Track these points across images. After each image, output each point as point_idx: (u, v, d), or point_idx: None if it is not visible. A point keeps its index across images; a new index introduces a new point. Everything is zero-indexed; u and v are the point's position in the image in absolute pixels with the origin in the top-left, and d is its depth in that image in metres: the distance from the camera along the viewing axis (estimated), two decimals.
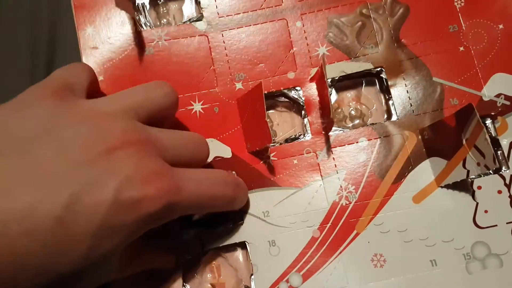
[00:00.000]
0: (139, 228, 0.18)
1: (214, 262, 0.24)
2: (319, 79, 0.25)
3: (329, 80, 0.26)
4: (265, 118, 0.22)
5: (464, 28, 0.26)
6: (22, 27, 0.28)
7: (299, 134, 0.26)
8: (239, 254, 0.24)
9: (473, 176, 0.24)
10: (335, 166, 0.25)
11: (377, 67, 0.26)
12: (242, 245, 0.24)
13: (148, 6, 0.27)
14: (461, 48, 0.26)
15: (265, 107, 0.22)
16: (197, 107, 0.26)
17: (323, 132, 0.25)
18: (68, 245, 0.16)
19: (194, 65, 0.26)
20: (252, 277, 0.24)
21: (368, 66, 0.26)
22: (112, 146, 0.18)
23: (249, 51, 0.26)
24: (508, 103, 0.24)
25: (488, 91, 0.25)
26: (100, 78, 0.25)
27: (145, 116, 0.20)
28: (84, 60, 0.26)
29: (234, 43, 0.27)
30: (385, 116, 0.26)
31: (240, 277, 0.24)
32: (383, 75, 0.26)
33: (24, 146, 0.17)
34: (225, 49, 0.26)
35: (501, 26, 0.25)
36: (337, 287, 0.23)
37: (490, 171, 0.24)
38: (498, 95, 0.25)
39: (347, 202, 0.24)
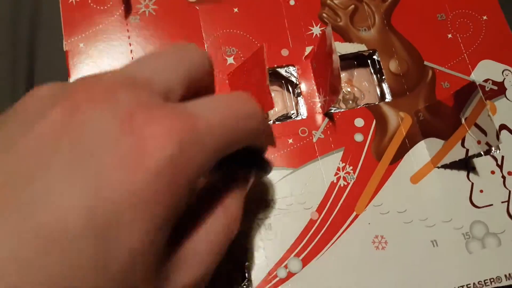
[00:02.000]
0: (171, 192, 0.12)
1: None
2: (317, 56, 0.24)
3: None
4: (266, 82, 0.20)
5: (451, 17, 0.26)
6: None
7: (292, 113, 0.24)
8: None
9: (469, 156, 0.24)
10: (332, 146, 0.24)
11: (371, 49, 0.26)
12: None
13: None
14: (449, 36, 0.26)
15: (267, 69, 0.20)
16: None
17: (318, 111, 0.24)
18: None
19: (181, 37, 0.24)
20: (247, 264, 0.21)
21: (362, 47, 0.25)
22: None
23: (241, 26, 0.25)
24: (495, 87, 0.25)
25: (476, 76, 0.25)
26: (80, 45, 0.23)
27: (181, 89, 0.14)
28: (63, 22, 0.23)
29: (226, 17, 0.25)
30: (379, 96, 0.25)
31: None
32: (376, 57, 0.26)
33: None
34: (216, 22, 0.25)
35: (485, 17, 0.26)
36: (339, 272, 0.21)
37: (481, 152, 0.24)
38: (486, 80, 0.25)
39: (345, 183, 0.23)
